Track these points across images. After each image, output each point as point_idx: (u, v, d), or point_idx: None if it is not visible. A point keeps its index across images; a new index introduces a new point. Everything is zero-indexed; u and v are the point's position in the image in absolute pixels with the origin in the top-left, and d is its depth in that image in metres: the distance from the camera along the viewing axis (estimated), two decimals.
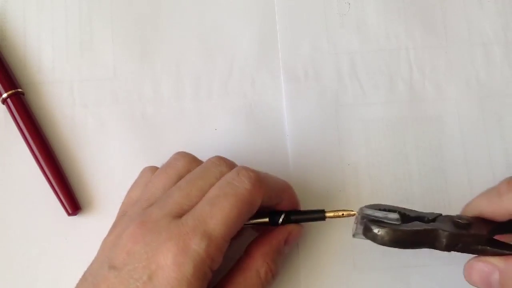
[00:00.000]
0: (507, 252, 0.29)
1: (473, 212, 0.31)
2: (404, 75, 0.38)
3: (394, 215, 0.30)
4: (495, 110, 0.38)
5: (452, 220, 0.30)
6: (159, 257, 0.26)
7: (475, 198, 0.31)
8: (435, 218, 0.30)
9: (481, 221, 0.30)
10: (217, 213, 0.28)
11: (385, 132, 0.37)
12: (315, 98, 0.38)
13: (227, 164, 0.31)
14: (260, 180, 0.30)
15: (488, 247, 0.29)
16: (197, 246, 0.27)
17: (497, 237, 0.30)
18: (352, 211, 0.31)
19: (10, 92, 0.37)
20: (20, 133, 0.36)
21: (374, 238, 0.29)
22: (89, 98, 0.38)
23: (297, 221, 0.32)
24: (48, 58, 0.39)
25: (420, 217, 0.30)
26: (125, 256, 0.27)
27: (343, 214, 0.32)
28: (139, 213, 0.29)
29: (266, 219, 0.32)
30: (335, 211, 0.32)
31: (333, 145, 0.37)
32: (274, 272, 0.31)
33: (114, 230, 0.30)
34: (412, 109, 0.38)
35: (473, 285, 0.30)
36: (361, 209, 0.31)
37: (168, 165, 0.32)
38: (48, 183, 0.36)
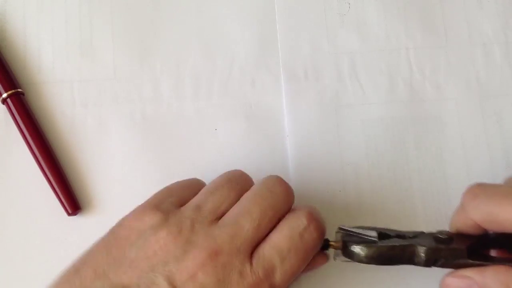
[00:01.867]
0: (486, 263, 0.28)
1: (452, 229, 0.31)
2: (404, 75, 0.39)
3: (372, 233, 0.30)
4: (495, 110, 0.38)
5: (433, 236, 0.30)
6: None
7: (452, 216, 0.31)
8: (416, 235, 0.30)
9: (463, 236, 0.30)
10: (287, 270, 0.28)
11: (385, 132, 0.37)
12: (315, 98, 0.38)
13: (292, 196, 0.31)
14: (324, 231, 0.30)
15: (470, 260, 0.28)
16: None
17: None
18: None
19: (10, 92, 0.37)
20: (20, 133, 0.36)
21: (351, 256, 0.29)
22: (89, 98, 0.38)
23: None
24: (48, 58, 0.39)
25: (400, 235, 0.30)
26: (188, 280, 0.26)
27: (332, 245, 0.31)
28: (205, 231, 0.28)
29: None
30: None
31: (333, 145, 0.37)
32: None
33: (168, 224, 0.28)
34: (412, 109, 0.38)
35: None
36: (339, 228, 0.31)
37: (230, 179, 0.32)
38: (48, 183, 0.36)
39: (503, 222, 0.27)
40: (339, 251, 0.30)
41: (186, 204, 0.30)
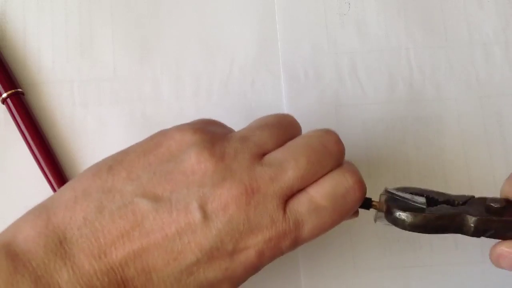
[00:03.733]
0: None
1: (502, 196, 0.29)
2: (404, 75, 0.39)
3: (421, 199, 0.28)
4: (495, 110, 0.38)
5: (484, 203, 0.28)
6: (252, 238, 0.25)
7: (503, 182, 0.30)
8: (466, 201, 0.29)
9: None
10: (319, 226, 0.27)
11: (385, 132, 0.37)
12: (315, 98, 0.38)
13: (343, 154, 0.29)
14: (365, 192, 0.28)
15: None
16: (285, 249, 0.27)
17: None
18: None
19: (10, 92, 0.37)
20: (20, 133, 0.36)
21: (395, 222, 0.28)
22: (89, 98, 0.38)
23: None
24: (48, 58, 0.39)
25: (449, 201, 0.29)
26: (220, 209, 0.25)
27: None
28: (248, 165, 0.26)
29: None
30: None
31: None
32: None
33: (213, 147, 0.27)
34: (412, 109, 0.38)
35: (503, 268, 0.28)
36: (385, 190, 0.29)
37: (280, 121, 0.30)
38: (48, 183, 0.36)
39: None
40: (382, 214, 0.29)
41: (232, 133, 0.29)
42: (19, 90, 0.37)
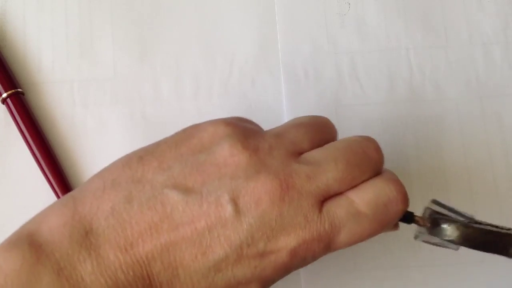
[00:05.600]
0: None
1: None
2: (404, 75, 0.39)
3: (467, 214, 0.28)
4: (495, 110, 0.38)
5: None
6: (284, 237, 0.24)
7: None
8: (510, 228, 0.28)
9: None
10: (355, 234, 0.26)
11: (385, 132, 0.37)
12: (315, 98, 0.38)
13: (382, 160, 0.27)
14: (408, 205, 0.27)
15: None
16: (317, 251, 0.25)
17: None
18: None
19: (10, 92, 0.37)
20: (20, 133, 0.36)
21: (440, 234, 0.27)
22: (89, 98, 0.38)
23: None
24: (48, 58, 0.39)
25: (493, 225, 0.28)
26: (253, 203, 0.24)
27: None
28: (284, 161, 0.25)
29: None
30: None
31: None
32: None
33: (246, 140, 0.26)
34: (412, 109, 0.38)
35: None
36: (429, 204, 0.29)
37: (316, 121, 0.29)
38: (48, 183, 0.36)
39: None
40: (424, 230, 0.28)
41: (267, 130, 0.28)
42: (19, 90, 0.37)
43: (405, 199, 0.27)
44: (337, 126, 0.38)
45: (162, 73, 0.39)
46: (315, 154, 0.26)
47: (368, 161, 0.27)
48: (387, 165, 0.37)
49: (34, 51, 0.39)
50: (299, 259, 0.25)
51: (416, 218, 0.28)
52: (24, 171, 0.36)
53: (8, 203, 0.36)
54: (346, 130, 0.37)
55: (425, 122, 0.38)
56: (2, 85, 0.37)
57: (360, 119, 0.38)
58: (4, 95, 0.37)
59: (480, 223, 0.28)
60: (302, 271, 0.35)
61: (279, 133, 0.27)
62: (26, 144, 0.36)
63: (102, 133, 0.37)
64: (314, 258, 0.26)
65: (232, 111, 0.38)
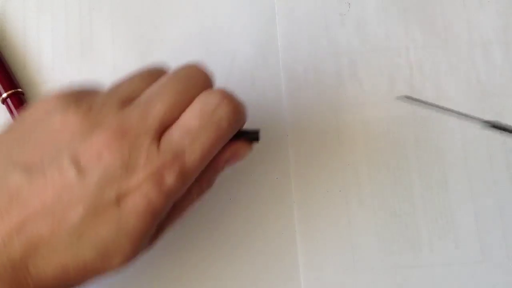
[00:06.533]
0: None
1: None
2: (404, 75, 0.38)
3: None
4: (495, 110, 0.38)
5: None
6: (131, 181, 0.25)
7: None
8: None
9: None
10: (197, 149, 0.26)
11: (385, 132, 0.37)
12: (315, 98, 0.38)
13: (210, 79, 0.29)
14: (242, 111, 0.28)
15: None
16: (172, 182, 0.25)
17: None
18: None
19: (10, 92, 0.37)
20: None
21: None
22: None
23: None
24: (48, 58, 0.39)
25: None
26: (94, 159, 0.24)
27: None
28: (115, 111, 0.26)
29: None
30: None
31: (333, 145, 0.37)
32: (206, 189, 0.29)
33: (79, 105, 0.26)
34: (412, 110, 0.38)
35: None
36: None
37: (149, 70, 0.30)
38: None
39: None
40: None
41: (101, 91, 0.28)
42: (19, 90, 0.37)
43: (231, 102, 0.27)
44: (337, 126, 0.38)
45: None
46: (144, 95, 0.27)
47: (194, 82, 0.28)
48: (387, 165, 0.37)
49: (34, 51, 0.39)
50: (157, 199, 0.25)
51: None
52: None
53: None
54: (346, 130, 0.37)
55: (425, 122, 0.38)
56: (2, 85, 0.37)
57: (360, 119, 0.38)
58: (4, 95, 0.37)
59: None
60: (302, 271, 0.35)
61: (112, 88, 0.28)
62: None
63: None
64: (176, 191, 0.26)
65: None
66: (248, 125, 0.38)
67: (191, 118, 0.27)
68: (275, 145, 0.37)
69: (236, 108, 0.28)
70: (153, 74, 0.29)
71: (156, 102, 0.27)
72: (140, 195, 0.25)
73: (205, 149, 0.26)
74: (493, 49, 0.39)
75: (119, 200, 0.24)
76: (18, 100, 0.37)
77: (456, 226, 0.35)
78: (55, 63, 0.39)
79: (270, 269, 0.35)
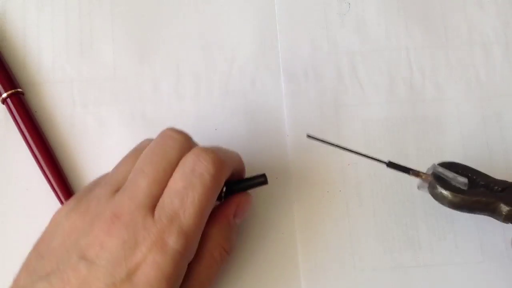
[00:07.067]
0: None
1: None
2: (404, 75, 0.39)
3: (463, 179, 0.31)
4: (495, 110, 0.38)
5: None
6: (137, 256, 0.26)
7: None
8: (505, 188, 0.31)
9: None
10: (189, 206, 0.28)
11: (385, 132, 0.37)
12: (315, 98, 0.38)
13: (185, 139, 0.30)
14: (221, 161, 0.29)
15: None
16: (175, 243, 0.27)
17: None
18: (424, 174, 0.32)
19: (10, 92, 0.37)
20: (20, 133, 0.36)
21: (435, 196, 0.31)
22: (89, 98, 0.38)
23: (239, 190, 0.32)
24: (48, 58, 0.39)
25: (489, 185, 0.31)
26: (98, 249, 0.27)
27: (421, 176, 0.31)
28: (108, 200, 0.29)
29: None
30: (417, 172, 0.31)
31: None
32: (228, 249, 0.31)
33: (79, 205, 0.29)
34: (412, 109, 0.38)
35: None
36: (433, 165, 0.32)
37: (136, 149, 0.32)
38: (48, 183, 0.36)
39: None
40: (425, 184, 0.31)
41: (98, 183, 0.31)
42: (19, 90, 0.37)
43: (207, 157, 0.29)
44: (337, 126, 0.38)
45: (162, 73, 0.39)
46: (129, 177, 0.29)
47: (170, 149, 0.30)
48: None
49: (34, 51, 0.39)
50: (166, 265, 0.27)
51: (421, 174, 0.31)
52: (23, 170, 0.36)
53: (8, 203, 0.36)
54: (346, 130, 0.37)
55: (425, 122, 0.38)
56: (2, 85, 0.37)
57: (360, 119, 0.38)
58: (4, 95, 0.37)
59: (477, 183, 0.31)
60: (302, 271, 0.35)
61: (106, 182, 0.30)
62: (26, 144, 0.36)
63: (101, 133, 0.37)
64: (182, 252, 0.27)
65: (232, 111, 0.38)
66: (248, 127, 0.38)
67: (176, 181, 0.28)
68: (274, 145, 0.37)
69: (213, 160, 0.29)
70: (136, 155, 0.31)
71: (139, 180, 0.29)
72: (148, 265, 0.26)
73: (196, 205, 0.28)
74: (493, 49, 0.39)
75: (129, 276, 0.26)
76: (18, 100, 0.37)
77: (456, 226, 0.35)
78: (55, 63, 0.39)
79: (270, 269, 0.35)
